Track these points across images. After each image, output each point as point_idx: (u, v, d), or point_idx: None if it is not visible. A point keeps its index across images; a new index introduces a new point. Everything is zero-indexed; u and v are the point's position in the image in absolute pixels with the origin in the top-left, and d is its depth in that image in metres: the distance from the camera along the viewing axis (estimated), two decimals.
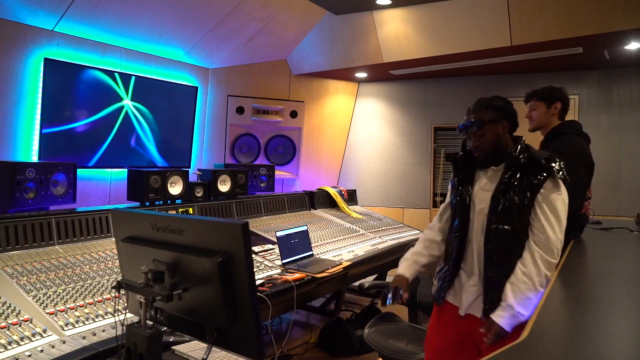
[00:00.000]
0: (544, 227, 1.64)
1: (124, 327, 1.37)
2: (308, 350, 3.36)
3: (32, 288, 1.95)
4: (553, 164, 1.68)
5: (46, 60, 3.69)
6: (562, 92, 2.61)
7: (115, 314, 1.77)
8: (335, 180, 6.21)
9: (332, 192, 4.50)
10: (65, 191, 2.75)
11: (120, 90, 4.27)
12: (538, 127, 2.64)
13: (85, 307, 1.90)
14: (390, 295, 1.92)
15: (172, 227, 1.35)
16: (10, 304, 1.79)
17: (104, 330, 1.76)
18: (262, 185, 4.25)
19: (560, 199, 1.67)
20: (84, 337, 1.69)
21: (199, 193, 3.40)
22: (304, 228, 3.06)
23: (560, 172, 1.68)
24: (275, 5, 4.43)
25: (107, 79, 4.15)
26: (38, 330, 1.68)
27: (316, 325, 3.80)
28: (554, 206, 1.65)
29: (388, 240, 3.77)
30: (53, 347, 1.60)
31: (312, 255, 3.03)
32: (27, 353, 1.54)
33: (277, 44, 5.18)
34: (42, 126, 3.73)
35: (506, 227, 1.69)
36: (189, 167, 4.95)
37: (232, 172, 3.67)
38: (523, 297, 1.58)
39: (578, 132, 2.57)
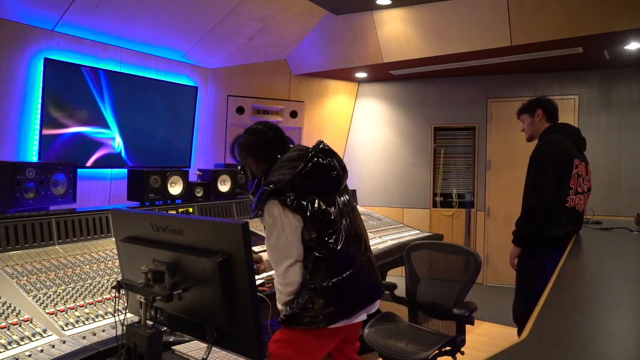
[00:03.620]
0: None
1: (124, 327, 1.37)
2: None
3: (32, 288, 1.95)
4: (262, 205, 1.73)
5: (46, 60, 3.69)
6: (541, 99, 2.76)
7: (115, 314, 1.77)
8: None
9: None
10: (65, 191, 2.75)
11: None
12: (531, 136, 2.81)
13: (85, 307, 1.90)
14: None
15: (172, 227, 1.35)
16: (10, 304, 1.79)
17: (104, 330, 1.76)
18: None
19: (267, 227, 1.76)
20: (84, 337, 1.69)
21: (199, 193, 3.40)
22: None
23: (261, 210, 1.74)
24: (275, 5, 4.43)
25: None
26: (38, 330, 1.68)
27: None
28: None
29: (388, 240, 3.76)
30: (53, 347, 1.60)
31: None
32: (27, 353, 1.54)
33: (277, 44, 5.18)
34: (42, 126, 3.73)
35: None
36: (189, 167, 4.95)
37: (232, 172, 3.67)
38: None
39: (563, 131, 2.65)
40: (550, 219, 2.50)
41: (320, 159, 1.79)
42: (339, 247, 1.74)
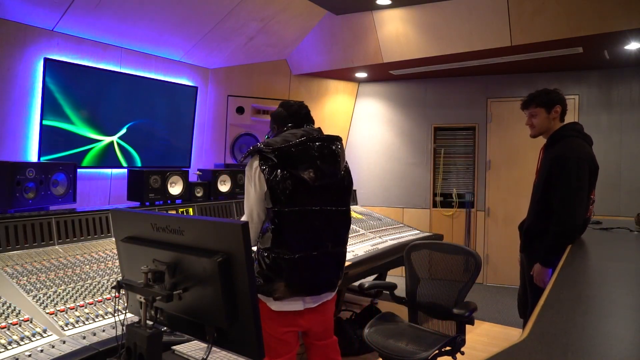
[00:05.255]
0: None
1: (124, 327, 1.37)
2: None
3: (32, 288, 1.95)
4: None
5: (46, 60, 3.69)
6: (559, 93, 2.60)
7: (115, 314, 1.77)
8: None
9: None
10: (65, 191, 2.75)
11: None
12: (540, 133, 2.61)
13: (85, 307, 1.90)
14: None
15: (172, 227, 1.35)
16: (10, 304, 1.79)
17: (104, 330, 1.76)
18: None
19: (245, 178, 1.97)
20: (84, 337, 1.69)
21: (199, 193, 3.40)
22: None
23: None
24: (275, 5, 4.43)
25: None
26: (38, 330, 1.68)
27: None
28: None
29: (388, 240, 3.77)
30: (53, 347, 1.61)
31: None
32: (27, 353, 1.54)
33: (277, 44, 5.18)
34: (42, 126, 3.72)
35: None
36: (189, 167, 4.95)
37: (232, 172, 3.67)
38: None
39: (580, 134, 2.55)
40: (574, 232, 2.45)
41: (314, 144, 1.90)
42: (289, 228, 1.86)
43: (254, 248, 1.95)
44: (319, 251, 1.92)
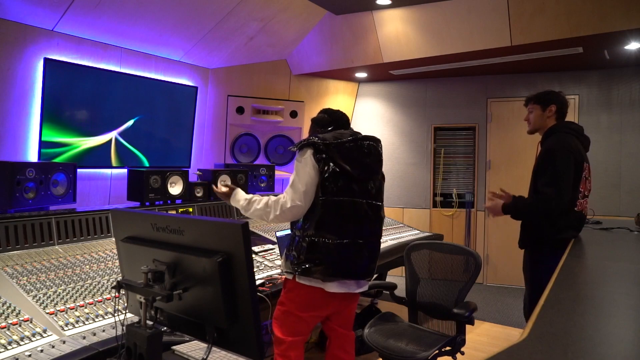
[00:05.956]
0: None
1: (124, 327, 1.37)
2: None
3: (32, 288, 1.95)
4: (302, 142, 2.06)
5: (46, 60, 3.69)
6: (559, 95, 2.69)
7: (115, 314, 1.77)
8: None
9: None
10: (65, 191, 2.75)
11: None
12: (535, 129, 2.72)
13: (85, 307, 1.91)
14: None
15: (172, 227, 1.35)
16: (10, 304, 1.79)
17: (104, 330, 1.76)
18: (262, 185, 4.25)
19: (295, 164, 2.05)
20: (84, 337, 1.69)
21: (199, 193, 3.41)
22: None
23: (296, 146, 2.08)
24: (275, 5, 4.43)
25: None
26: (38, 330, 1.68)
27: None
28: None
29: (388, 240, 3.76)
30: (53, 347, 1.61)
31: None
32: (27, 353, 1.54)
33: (277, 44, 5.18)
34: (42, 126, 3.73)
35: None
36: (189, 167, 4.95)
37: (232, 172, 3.67)
38: (250, 206, 2.16)
39: (572, 131, 2.61)
40: (562, 223, 2.47)
41: (364, 143, 2.09)
42: (337, 215, 1.98)
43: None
44: (363, 240, 2.04)
